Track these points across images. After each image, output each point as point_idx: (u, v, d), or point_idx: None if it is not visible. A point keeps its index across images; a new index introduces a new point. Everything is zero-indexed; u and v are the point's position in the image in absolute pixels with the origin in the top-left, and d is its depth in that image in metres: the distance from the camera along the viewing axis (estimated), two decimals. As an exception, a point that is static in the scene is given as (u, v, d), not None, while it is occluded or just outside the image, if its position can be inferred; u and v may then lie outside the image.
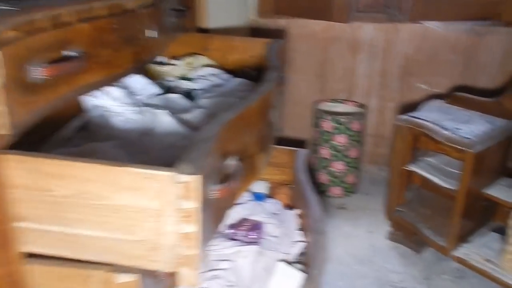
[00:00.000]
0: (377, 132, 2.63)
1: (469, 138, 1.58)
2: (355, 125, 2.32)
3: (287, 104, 2.81)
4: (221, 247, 1.52)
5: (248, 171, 1.10)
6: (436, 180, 1.75)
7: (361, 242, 2.07)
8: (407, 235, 1.98)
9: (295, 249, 1.65)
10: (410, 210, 1.95)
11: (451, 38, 2.33)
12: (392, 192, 1.96)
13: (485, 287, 1.72)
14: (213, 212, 0.88)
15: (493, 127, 1.70)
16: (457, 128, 1.65)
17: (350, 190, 2.47)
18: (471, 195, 1.65)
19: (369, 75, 2.51)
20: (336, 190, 2.46)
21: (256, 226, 1.63)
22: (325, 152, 2.40)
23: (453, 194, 1.68)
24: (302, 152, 2.15)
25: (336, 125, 2.31)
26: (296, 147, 2.74)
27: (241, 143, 1.00)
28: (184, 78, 1.76)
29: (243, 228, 1.60)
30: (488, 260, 1.64)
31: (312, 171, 2.59)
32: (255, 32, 2.49)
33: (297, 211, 1.83)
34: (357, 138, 2.36)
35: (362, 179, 2.58)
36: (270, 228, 1.70)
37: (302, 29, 2.49)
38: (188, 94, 1.58)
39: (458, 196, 1.64)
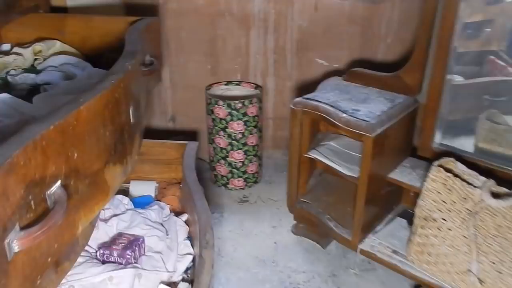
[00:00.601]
0: (277, 114, 2.47)
1: (367, 121, 1.44)
2: (252, 110, 2.13)
3: (177, 90, 2.55)
4: (86, 275, 1.25)
5: (93, 191, 0.85)
6: (337, 167, 1.63)
7: (263, 240, 1.91)
8: (311, 228, 1.86)
9: (182, 265, 1.43)
10: (314, 200, 1.82)
11: (346, 8, 2.21)
12: (292, 182, 1.82)
13: (393, 279, 1.64)
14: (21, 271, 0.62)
15: (393, 104, 1.59)
16: (355, 110, 1.52)
17: (252, 180, 2.30)
18: (374, 181, 1.54)
19: (263, 53, 2.32)
20: (237, 182, 2.27)
21: (133, 242, 1.38)
22: (221, 141, 2.19)
23: (356, 180, 1.55)
24: (191, 146, 1.92)
25: (231, 111, 2.10)
26: (188, 139, 2.50)
27: (69, 162, 0.74)
28: (30, 70, 1.42)
29: (117, 247, 1.34)
30: (395, 252, 1.56)
31: (209, 164, 2.38)
32: (130, 10, 2.16)
33: (185, 217, 1.61)
34: (255, 124, 2.17)
35: (265, 167, 2.42)
36: (153, 241, 1.46)
37: (183, 3, 2.21)
38: (34, 91, 1.26)
39: (360, 183, 1.52)
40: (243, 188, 2.29)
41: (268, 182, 2.35)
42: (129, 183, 1.83)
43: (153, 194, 1.80)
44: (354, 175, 1.58)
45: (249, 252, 1.84)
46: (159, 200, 1.74)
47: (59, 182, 0.72)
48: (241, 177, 2.26)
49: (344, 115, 1.50)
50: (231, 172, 2.25)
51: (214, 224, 2.01)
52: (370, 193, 1.55)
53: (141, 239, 1.38)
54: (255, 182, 2.32)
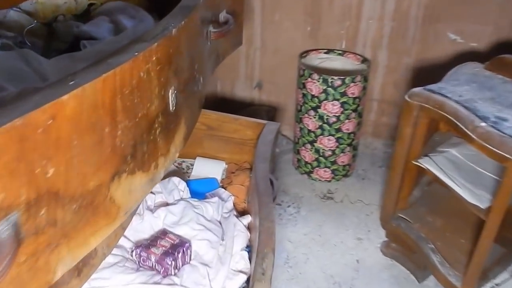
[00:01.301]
0: (384, 96, 2.05)
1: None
2: (353, 90, 1.74)
3: (267, 52, 2.22)
4: (112, 283, 1.03)
5: (87, 218, 0.59)
6: (457, 189, 1.22)
7: (343, 254, 1.59)
8: (407, 252, 1.49)
9: (233, 284, 1.16)
10: (415, 219, 1.43)
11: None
12: (390, 192, 1.44)
13: None
14: None
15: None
16: (500, 118, 1.08)
17: (342, 173, 1.95)
18: (510, 219, 1.11)
19: (378, 17, 1.88)
20: (323, 172, 1.94)
21: (177, 248, 1.14)
22: (310, 122, 1.84)
23: (482, 213, 1.14)
24: (270, 128, 1.60)
25: (326, 87, 1.73)
26: (270, 115, 2.19)
27: (36, 182, 0.48)
28: (81, 17, 1.19)
29: (157, 251, 1.11)
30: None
31: (294, 145, 2.05)
32: None
33: (247, 219, 1.33)
34: (355, 107, 1.79)
35: (360, 158, 2.04)
36: (202, 247, 1.21)
37: None
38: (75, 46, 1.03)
39: (490, 218, 1.10)
40: (329, 181, 1.95)
41: (361, 178, 1.98)
42: (194, 158, 1.59)
43: (219, 177, 1.54)
44: (481, 206, 1.15)
45: (323, 267, 1.53)
46: (224, 187, 1.47)
47: (13, 216, 0.46)
48: (328, 167, 1.92)
49: (483, 124, 1.07)
50: (317, 160, 1.91)
51: (288, 222, 1.72)
52: (501, 231, 1.13)
53: (187, 245, 1.13)
54: (345, 175, 1.96)
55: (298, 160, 1.98)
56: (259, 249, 1.04)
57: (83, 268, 0.83)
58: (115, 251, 1.11)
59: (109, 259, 1.08)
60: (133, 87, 0.60)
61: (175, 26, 0.71)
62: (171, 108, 0.74)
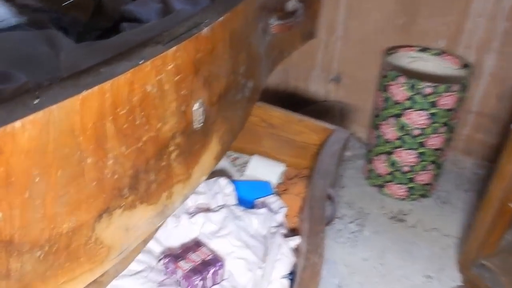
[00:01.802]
0: (484, 108, 1.77)
1: None
2: (446, 100, 1.49)
3: (349, 42, 1.98)
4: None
5: (59, 264, 0.48)
6: None
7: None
8: (486, 307, 1.24)
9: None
10: (503, 270, 1.20)
11: None
12: (476, 234, 1.21)
13: None
14: None
15: None
16: None
17: (419, 192, 1.71)
18: None
19: (491, 15, 1.59)
20: (396, 189, 1.72)
21: (208, 266, 1.01)
22: (389, 131, 1.62)
23: None
24: (339, 136, 1.41)
25: (413, 94, 1.49)
26: (342, 113, 1.98)
27: None
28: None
29: (185, 266, 0.99)
30: None
31: (367, 153, 1.83)
32: None
33: (295, 242, 1.17)
34: (445, 120, 1.53)
35: (443, 177, 1.77)
36: (238, 268, 1.07)
37: None
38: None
39: None
40: (403, 199, 1.73)
41: (441, 201, 1.73)
42: (251, 155, 1.46)
43: (275, 181, 1.40)
44: None
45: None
46: (278, 193, 1.33)
47: None
48: (404, 184, 1.69)
49: None
50: (392, 174, 1.69)
51: (347, 241, 1.54)
52: None
53: (220, 264, 1.00)
54: (423, 196, 1.73)
55: (370, 171, 1.77)
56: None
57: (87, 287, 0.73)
58: (142, 257, 1.02)
59: (135, 266, 0.99)
60: (133, 105, 0.47)
61: (209, 23, 0.56)
62: (196, 126, 0.60)
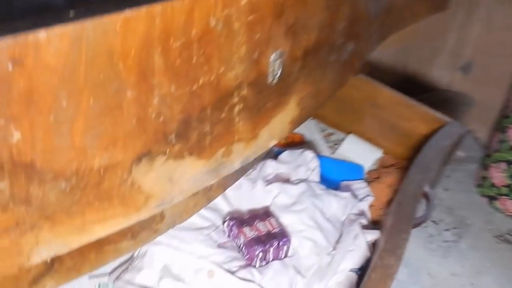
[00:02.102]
0: None
1: None
2: None
3: (492, 25, 1.69)
4: (190, 249, 0.91)
5: (91, 202, 0.45)
6: None
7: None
8: None
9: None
10: None
11: None
12: None
13: None
14: None
15: None
16: None
17: (539, 213, 1.46)
18: None
19: None
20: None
21: (273, 239, 0.95)
22: (516, 136, 1.39)
23: None
24: (452, 130, 1.22)
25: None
26: (463, 107, 1.74)
27: None
28: None
29: (249, 233, 0.94)
30: None
31: (483, 157, 1.59)
32: None
33: (374, 235, 1.05)
34: None
35: None
36: (305, 249, 0.99)
37: None
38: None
39: None
40: (517, 218, 1.49)
41: None
42: (347, 133, 1.35)
43: (367, 166, 1.28)
44: None
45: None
46: (368, 181, 1.21)
47: None
48: (523, 201, 1.45)
49: None
50: (510, 187, 1.45)
51: (437, 249, 1.37)
52: None
53: (286, 240, 0.94)
54: (543, 218, 1.47)
55: (483, 178, 1.55)
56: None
57: (140, 231, 0.71)
58: (209, 214, 0.99)
59: (199, 221, 0.97)
60: (190, 39, 0.40)
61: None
62: (270, 80, 0.51)
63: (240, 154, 0.55)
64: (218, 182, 0.80)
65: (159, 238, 0.92)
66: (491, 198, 1.52)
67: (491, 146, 1.53)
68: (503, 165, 1.45)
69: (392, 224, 0.90)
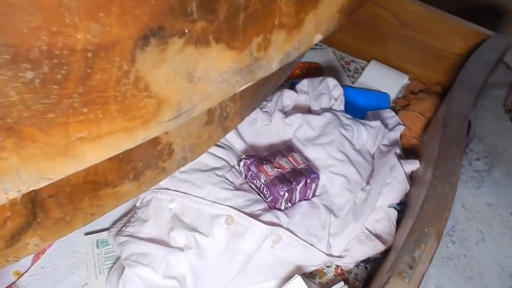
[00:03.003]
0: None
1: None
2: None
3: None
4: (203, 195, 0.78)
5: None
6: None
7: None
8: None
9: (364, 248, 0.82)
10: None
11: None
12: None
13: None
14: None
15: None
16: None
17: None
18: None
19: None
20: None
21: (300, 176, 0.81)
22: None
23: None
24: (496, 42, 1.07)
25: None
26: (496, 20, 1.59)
27: None
28: None
29: (271, 171, 0.81)
30: None
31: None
32: None
33: (414, 166, 0.92)
34: None
35: None
36: (336, 186, 0.86)
37: None
38: None
39: None
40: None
41: None
42: (368, 61, 1.20)
43: (393, 95, 1.15)
44: None
45: (501, 259, 1.09)
46: (395, 110, 1.08)
47: None
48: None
49: None
50: (545, 108, 1.33)
51: (469, 180, 1.25)
52: None
53: (314, 177, 0.81)
54: None
55: (515, 102, 1.42)
56: (417, 224, 0.66)
57: (144, 170, 0.58)
58: (221, 152, 0.85)
59: (210, 161, 0.83)
60: None
61: None
62: None
63: (280, 48, 0.41)
64: (235, 109, 0.66)
65: (166, 183, 0.79)
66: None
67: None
68: (540, 86, 1.32)
69: (441, 149, 0.77)
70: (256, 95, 0.73)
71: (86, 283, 0.73)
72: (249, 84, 0.40)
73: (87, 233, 0.79)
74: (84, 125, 0.30)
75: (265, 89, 0.80)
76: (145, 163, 0.56)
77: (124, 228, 0.75)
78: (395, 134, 1.00)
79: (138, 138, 0.34)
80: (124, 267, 0.69)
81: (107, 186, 0.53)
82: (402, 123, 1.03)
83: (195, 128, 0.61)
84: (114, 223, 0.80)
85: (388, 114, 1.06)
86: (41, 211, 0.49)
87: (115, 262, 0.75)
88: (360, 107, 1.08)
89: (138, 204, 0.79)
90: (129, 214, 0.80)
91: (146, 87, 0.32)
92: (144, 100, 0.32)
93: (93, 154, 0.32)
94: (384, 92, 1.15)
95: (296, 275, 0.70)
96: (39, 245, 0.51)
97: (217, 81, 0.36)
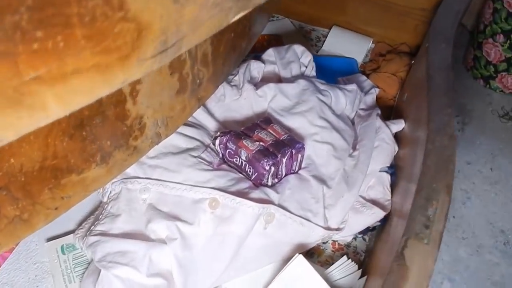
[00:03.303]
0: None
1: None
2: None
3: None
4: (180, 180, 0.69)
5: None
6: None
7: None
8: None
9: (360, 224, 0.76)
10: None
11: None
12: None
13: None
14: None
15: None
16: None
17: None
18: None
19: None
20: (511, 82, 1.35)
21: (283, 147, 0.73)
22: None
23: None
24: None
25: None
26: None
27: None
28: None
29: (251, 146, 0.73)
30: None
31: (471, 37, 1.44)
32: None
33: (399, 126, 0.87)
34: None
35: None
36: (322, 155, 0.79)
37: None
38: None
39: None
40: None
41: None
42: (329, 28, 1.14)
43: (360, 59, 1.10)
44: None
45: (489, 215, 1.07)
46: (365, 73, 1.03)
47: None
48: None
49: None
50: (509, 61, 1.32)
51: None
52: None
53: (300, 146, 0.73)
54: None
55: (476, 58, 1.41)
56: (423, 182, 0.60)
57: (113, 152, 0.48)
58: (192, 132, 0.77)
59: (180, 142, 0.74)
60: None
61: None
62: None
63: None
64: (208, 75, 0.58)
65: (135, 171, 0.70)
66: (486, 78, 1.39)
67: (482, 20, 1.38)
68: (501, 38, 1.31)
69: (430, 101, 0.72)
70: (228, 60, 0.65)
71: (55, 297, 0.62)
72: (244, 13, 0.32)
73: (49, 239, 0.68)
74: (40, 58, 0.21)
75: (235, 55, 0.72)
76: (114, 142, 0.47)
77: (92, 227, 0.65)
78: (371, 97, 0.95)
79: (115, 80, 0.25)
80: (100, 271, 0.59)
81: (70, 172, 0.43)
82: (376, 86, 0.98)
83: (167, 97, 0.52)
84: (80, 224, 0.70)
85: (360, 78, 1.01)
86: (-10, 210, 0.38)
87: (86, 267, 0.64)
88: (329, 75, 1.02)
89: (105, 199, 0.69)
90: (96, 212, 0.70)
91: (122, 5, 0.23)
92: (120, 24, 0.24)
93: (56, 102, 0.23)
94: (350, 58, 1.10)
95: (297, 254, 0.63)
96: (-7, 251, 0.41)
97: (208, 4, 0.28)
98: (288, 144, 0.73)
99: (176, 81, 0.52)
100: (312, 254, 0.73)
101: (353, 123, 0.88)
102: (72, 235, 0.68)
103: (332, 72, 1.04)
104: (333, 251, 0.74)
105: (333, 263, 0.69)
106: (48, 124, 0.26)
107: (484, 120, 1.28)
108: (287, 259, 0.66)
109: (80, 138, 0.42)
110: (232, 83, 0.88)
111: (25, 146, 0.37)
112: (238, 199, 0.65)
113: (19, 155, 0.37)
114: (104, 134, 0.45)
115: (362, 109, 0.92)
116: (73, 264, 0.65)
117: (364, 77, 1.01)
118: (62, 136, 0.40)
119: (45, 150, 0.39)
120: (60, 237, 0.68)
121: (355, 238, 0.76)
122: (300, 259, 0.62)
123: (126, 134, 0.49)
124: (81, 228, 0.67)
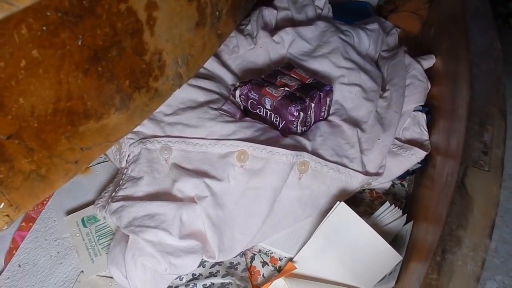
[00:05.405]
0: None
1: None
2: None
3: None
4: (202, 134, 0.64)
5: None
6: None
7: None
8: None
9: (399, 167, 0.70)
10: None
11: None
12: None
13: None
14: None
15: None
16: None
17: None
18: None
19: None
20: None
21: (311, 91, 0.67)
22: None
23: None
24: None
25: None
26: None
27: None
28: None
29: (275, 92, 0.67)
30: None
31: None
32: None
33: (430, 62, 0.81)
34: None
35: None
36: (351, 98, 0.73)
37: None
38: None
39: None
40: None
41: None
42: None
43: (374, 2, 1.03)
44: None
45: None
46: (383, 16, 0.96)
47: None
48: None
49: None
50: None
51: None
52: None
53: (328, 89, 0.68)
54: None
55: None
56: (474, 107, 0.54)
57: (133, 95, 0.43)
58: (208, 85, 0.71)
59: (198, 95, 0.68)
60: None
61: None
62: None
63: None
64: (227, 8, 0.52)
65: (153, 130, 0.64)
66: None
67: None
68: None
69: (468, 27, 0.65)
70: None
71: (82, 271, 0.57)
72: None
73: (67, 213, 0.63)
74: None
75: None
76: (133, 82, 0.41)
77: (114, 194, 0.59)
78: (393, 38, 0.89)
79: None
80: (127, 238, 0.54)
81: (88, 117, 0.37)
82: (396, 26, 0.92)
83: (186, 29, 0.47)
84: (98, 194, 0.65)
85: (378, 20, 0.94)
86: (2, 163, 0.33)
87: (111, 238, 0.59)
88: (343, 21, 0.95)
89: (123, 164, 0.63)
90: (115, 179, 0.64)
91: None
92: None
93: None
94: (364, 1, 1.03)
95: (338, 201, 0.58)
96: (10, 215, 0.36)
97: None
98: (316, 87, 0.67)
99: (195, 10, 0.46)
100: (348, 205, 0.67)
101: (376, 65, 0.82)
102: (92, 206, 0.63)
103: (346, 17, 0.97)
104: (371, 200, 0.69)
105: (372, 213, 0.64)
106: (57, 54, 0.20)
107: None
108: (325, 212, 0.61)
109: (96, 75, 0.37)
110: (244, 33, 0.81)
111: (34, 82, 0.32)
112: (269, 148, 0.60)
113: (28, 93, 0.32)
114: (121, 71, 0.40)
115: (385, 50, 0.86)
116: (96, 236, 0.60)
117: (382, 19, 0.94)
118: (76, 71, 0.34)
119: (58, 88, 0.33)
120: (79, 209, 0.63)
121: (393, 185, 0.70)
122: (342, 206, 0.57)
123: (145, 73, 0.44)
124: (101, 198, 0.62)
